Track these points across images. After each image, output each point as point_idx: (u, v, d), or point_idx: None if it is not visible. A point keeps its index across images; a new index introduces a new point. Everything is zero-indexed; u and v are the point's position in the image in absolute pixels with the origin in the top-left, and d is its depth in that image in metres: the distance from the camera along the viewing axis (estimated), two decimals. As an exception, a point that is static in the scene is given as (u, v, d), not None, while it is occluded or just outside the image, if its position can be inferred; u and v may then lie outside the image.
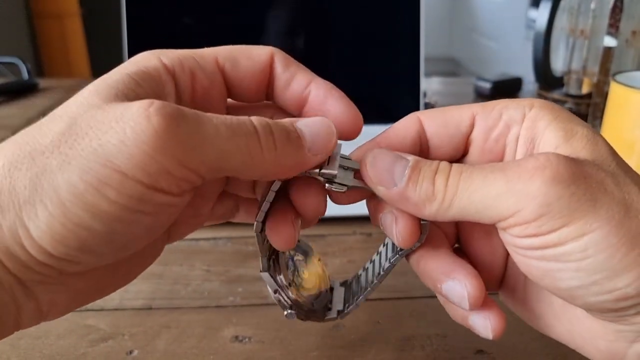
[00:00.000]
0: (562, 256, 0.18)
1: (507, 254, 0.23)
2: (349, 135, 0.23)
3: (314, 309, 0.25)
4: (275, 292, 0.24)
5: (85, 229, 0.16)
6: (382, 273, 0.24)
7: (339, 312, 0.26)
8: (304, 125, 0.20)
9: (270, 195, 0.21)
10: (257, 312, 0.36)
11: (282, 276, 0.24)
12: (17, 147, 0.17)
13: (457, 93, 0.89)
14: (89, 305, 0.38)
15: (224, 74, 0.23)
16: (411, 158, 0.20)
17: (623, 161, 0.20)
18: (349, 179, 0.21)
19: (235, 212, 0.26)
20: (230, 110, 0.24)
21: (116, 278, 0.22)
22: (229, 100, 0.24)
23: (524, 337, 0.34)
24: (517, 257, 0.20)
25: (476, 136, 0.22)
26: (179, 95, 0.21)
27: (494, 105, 0.22)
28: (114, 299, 0.37)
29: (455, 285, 0.21)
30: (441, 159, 0.23)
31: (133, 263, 0.22)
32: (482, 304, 0.21)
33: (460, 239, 0.24)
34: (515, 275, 0.24)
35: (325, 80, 0.23)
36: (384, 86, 0.64)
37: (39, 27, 2.27)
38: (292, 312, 0.24)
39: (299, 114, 0.24)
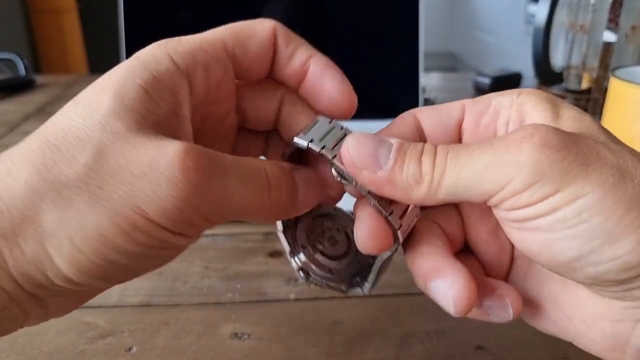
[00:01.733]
0: (557, 224, 0.17)
1: (513, 249, 0.23)
2: (343, 114, 0.23)
3: (332, 277, 0.25)
4: (289, 254, 0.24)
5: (112, 264, 0.17)
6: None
7: (360, 285, 0.24)
8: (300, 180, 0.21)
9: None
10: (256, 308, 0.36)
11: (299, 239, 0.24)
12: (35, 169, 0.17)
13: (457, 88, 0.89)
14: (88, 302, 0.37)
15: (234, 59, 0.22)
16: (395, 140, 0.20)
17: (614, 136, 0.20)
18: None
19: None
20: (238, 89, 0.24)
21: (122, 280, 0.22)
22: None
23: (523, 331, 0.34)
24: (514, 234, 0.19)
25: (467, 123, 0.22)
26: (194, 95, 0.21)
27: (483, 97, 0.22)
28: (113, 295, 0.37)
29: (442, 284, 0.20)
30: None
31: None
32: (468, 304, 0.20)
33: (467, 240, 0.24)
34: (516, 269, 0.24)
35: (324, 57, 0.24)
36: (383, 82, 0.63)
37: (36, 23, 2.27)
38: (302, 275, 0.24)
39: (297, 87, 0.24)
